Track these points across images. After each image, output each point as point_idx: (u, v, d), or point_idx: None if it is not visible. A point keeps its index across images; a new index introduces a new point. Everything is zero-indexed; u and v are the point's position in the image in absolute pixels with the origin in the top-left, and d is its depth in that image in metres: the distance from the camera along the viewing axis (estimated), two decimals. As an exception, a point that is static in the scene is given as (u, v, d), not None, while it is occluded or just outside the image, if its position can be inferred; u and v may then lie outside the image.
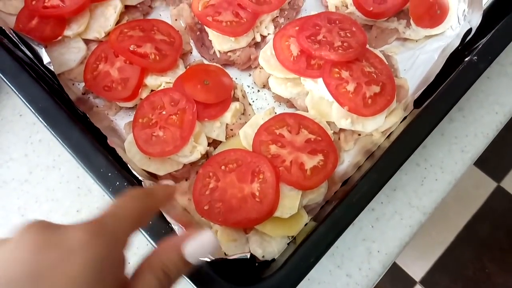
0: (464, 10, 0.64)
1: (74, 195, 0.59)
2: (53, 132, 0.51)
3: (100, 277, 0.27)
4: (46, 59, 0.57)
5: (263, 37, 0.65)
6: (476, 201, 1.68)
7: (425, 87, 0.57)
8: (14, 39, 0.58)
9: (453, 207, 1.63)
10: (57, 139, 0.51)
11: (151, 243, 0.46)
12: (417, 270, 1.58)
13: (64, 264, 0.26)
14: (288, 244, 0.52)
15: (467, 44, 0.60)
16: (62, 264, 0.26)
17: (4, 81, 0.55)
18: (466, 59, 0.55)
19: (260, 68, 0.62)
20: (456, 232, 1.63)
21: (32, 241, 0.27)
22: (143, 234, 0.47)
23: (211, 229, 0.53)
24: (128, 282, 0.30)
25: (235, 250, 0.51)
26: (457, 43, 0.60)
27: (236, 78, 0.64)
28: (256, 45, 0.65)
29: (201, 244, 0.33)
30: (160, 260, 0.32)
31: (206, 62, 0.66)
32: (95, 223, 0.29)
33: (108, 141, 0.53)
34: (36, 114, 0.52)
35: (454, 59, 0.58)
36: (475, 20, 0.60)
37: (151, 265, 0.31)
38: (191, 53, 0.67)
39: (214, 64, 0.63)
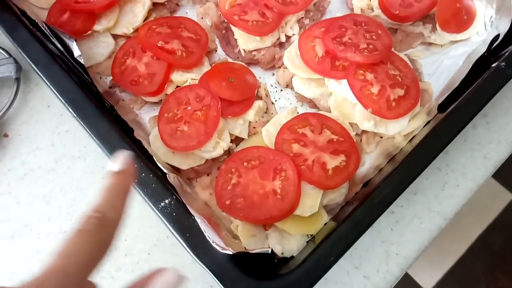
0: (491, 16, 0.64)
1: (98, 185, 0.60)
2: (81, 123, 0.53)
3: None
4: (76, 52, 0.58)
5: (288, 38, 0.65)
6: (491, 213, 1.65)
7: (449, 92, 0.57)
8: (46, 32, 0.60)
9: (467, 218, 1.61)
10: (85, 129, 0.53)
11: (174, 235, 0.47)
12: (427, 279, 1.57)
13: None
14: (307, 242, 0.53)
15: (493, 50, 0.60)
16: None
17: (37, 72, 0.56)
18: (493, 65, 0.55)
19: (284, 68, 0.63)
20: (469, 243, 1.61)
21: None
22: (166, 225, 0.48)
23: (231, 224, 0.54)
24: None
25: (254, 245, 0.51)
26: (483, 49, 0.60)
27: (259, 77, 0.65)
28: (281, 45, 0.66)
29: (166, 285, 0.30)
30: None
31: (230, 60, 0.67)
32: None
33: (134, 133, 0.54)
34: (66, 105, 0.54)
35: (480, 65, 0.58)
36: (503, 27, 0.60)
37: None
38: (216, 51, 0.68)
39: (239, 62, 0.64)
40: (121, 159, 0.34)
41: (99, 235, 0.29)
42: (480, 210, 1.64)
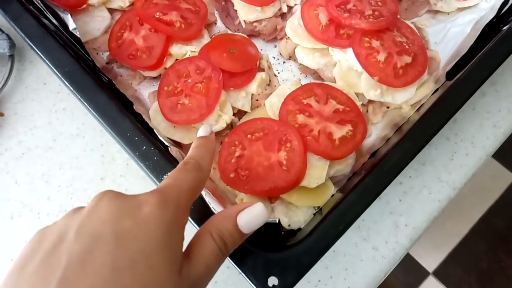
0: (500, -19, 0.62)
1: (98, 163, 0.59)
2: (79, 96, 0.51)
3: (170, 236, 0.30)
4: (72, 25, 0.56)
5: (290, 8, 0.63)
6: (492, 194, 1.65)
7: (457, 59, 0.55)
8: (40, 7, 0.58)
9: (469, 199, 1.61)
10: (83, 103, 0.51)
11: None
12: (430, 261, 1.57)
13: (141, 227, 0.29)
14: (314, 214, 0.51)
15: (503, 16, 0.58)
16: (138, 227, 0.29)
17: (31, 46, 0.54)
18: (504, 28, 0.53)
19: (286, 39, 0.61)
20: (471, 224, 1.61)
21: (108, 208, 0.30)
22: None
23: (236, 197, 0.52)
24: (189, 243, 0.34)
25: (260, 218, 0.50)
26: (492, 15, 0.58)
27: (261, 49, 0.63)
28: (282, 16, 0.64)
29: (252, 215, 0.35)
30: (217, 227, 0.34)
31: (230, 33, 0.65)
32: (162, 194, 0.32)
33: (134, 107, 0.52)
34: (62, 78, 0.52)
35: (489, 31, 0.56)
36: (512, -8, 0.58)
37: (210, 231, 0.34)
38: (216, 24, 0.66)
39: (240, 34, 0.62)
40: (205, 129, 0.43)
41: (196, 174, 0.36)
42: (482, 191, 1.64)
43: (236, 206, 0.36)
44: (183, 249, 0.32)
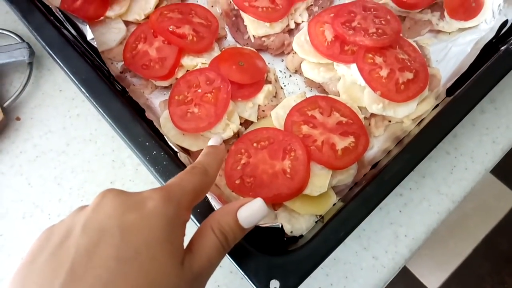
0: (499, 5, 0.64)
1: (108, 167, 0.61)
2: (94, 102, 0.54)
3: (172, 231, 0.31)
4: (90, 35, 0.59)
5: (297, 24, 0.66)
6: (496, 214, 1.64)
7: (458, 76, 0.57)
8: (60, 17, 0.61)
9: (472, 219, 1.61)
10: (98, 109, 0.53)
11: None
12: (433, 280, 1.56)
13: (144, 221, 0.30)
14: (315, 222, 0.53)
15: (501, 37, 0.60)
16: (142, 221, 0.30)
17: (50, 54, 0.57)
18: (502, 48, 0.55)
19: (293, 53, 0.64)
20: (474, 244, 1.60)
21: (113, 203, 0.31)
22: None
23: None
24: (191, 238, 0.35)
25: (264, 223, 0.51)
26: (491, 36, 0.60)
27: (269, 63, 0.66)
28: (290, 32, 0.66)
29: (253, 211, 0.36)
30: (218, 222, 0.35)
31: (240, 46, 0.67)
32: (165, 191, 0.33)
33: (145, 114, 0.55)
34: (79, 85, 0.55)
35: (488, 51, 0.58)
36: (511, 14, 0.60)
37: (211, 226, 0.35)
38: (226, 38, 0.69)
39: (249, 48, 0.65)
40: (216, 139, 0.44)
41: (202, 178, 0.37)
42: (485, 211, 1.63)
43: (237, 202, 0.37)
44: (186, 245, 0.34)
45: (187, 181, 0.36)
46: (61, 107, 0.66)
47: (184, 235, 0.34)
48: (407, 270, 1.56)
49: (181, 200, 0.33)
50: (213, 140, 0.44)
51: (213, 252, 0.34)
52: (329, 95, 0.61)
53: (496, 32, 0.60)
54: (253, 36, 0.65)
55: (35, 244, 0.31)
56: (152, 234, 0.30)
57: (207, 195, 0.47)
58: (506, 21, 0.60)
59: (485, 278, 1.56)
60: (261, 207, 0.36)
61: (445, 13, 0.65)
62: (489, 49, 0.58)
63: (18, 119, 0.65)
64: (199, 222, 0.46)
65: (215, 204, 0.47)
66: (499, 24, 0.60)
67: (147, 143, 0.51)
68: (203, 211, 0.47)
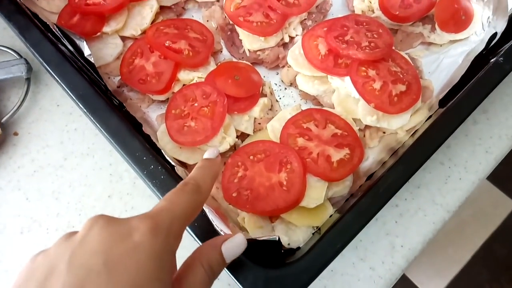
0: (488, 17, 0.66)
1: (106, 181, 0.61)
2: (91, 118, 0.54)
3: (161, 266, 0.31)
4: (87, 51, 0.60)
5: (291, 38, 0.67)
6: (494, 221, 1.65)
7: (450, 88, 0.58)
8: (57, 34, 0.62)
9: (470, 226, 1.61)
10: (95, 124, 0.54)
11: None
12: None
13: (131, 257, 0.29)
14: (312, 234, 0.53)
15: (491, 48, 0.62)
16: (129, 257, 0.29)
17: (48, 70, 0.58)
18: (492, 60, 0.56)
19: (288, 67, 0.65)
20: (473, 251, 1.60)
21: (99, 236, 0.30)
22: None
23: (238, 216, 0.55)
24: (178, 271, 0.35)
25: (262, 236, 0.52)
26: (481, 47, 0.61)
27: (264, 76, 0.67)
28: (284, 46, 0.68)
29: (235, 245, 0.38)
30: (205, 256, 0.36)
31: (235, 60, 0.68)
32: (153, 220, 0.32)
33: (143, 128, 0.55)
34: (76, 101, 0.55)
35: (479, 63, 0.59)
36: (500, 26, 0.62)
37: (200, 261, 0.35)
38: (221, 52, 0.70)
39: (244, 62, 0.66)
40: (212, 151, 0.44)
41: (194, 196, 0.37)
42: (483, 218, 1.64)
43: (220, 237, 0.38)
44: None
45: (177, 204, 0.35)
46: (59, 121, 0.66)
47: (174, 266, 0.33)
48: (406, 278, 1.56)
49: (170, 229, 0.32)
50: (209, 153, 0.44)
51: (202, 287, 0.34)
52: (324, 108, 0.62)
53: (486, 44, 0.61)
54: (248, 50, 0.66)
55: (20, 276, 0.31)
56: (140, 273, 0.29)
57: (204, 208, 0.48)
58: (495, 34, 0.61)
59: (484, 286, 1.56)
60: (243, 241, 0.38)
61: (436, 26, 0.66)
62: (479, 61, 0.60)
63: (16, 134, 0.65)
64: (197, 237, 0.47)
65: (212, 217, 0.47)
66: (488, 36, 0.62)
67: (144, 158, 0.51)
68: (201, 224, 0.47)
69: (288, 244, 0.52)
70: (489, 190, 1.67)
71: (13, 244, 0.58)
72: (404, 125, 0.58)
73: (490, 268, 1.57)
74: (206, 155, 0.44)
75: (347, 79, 0.59)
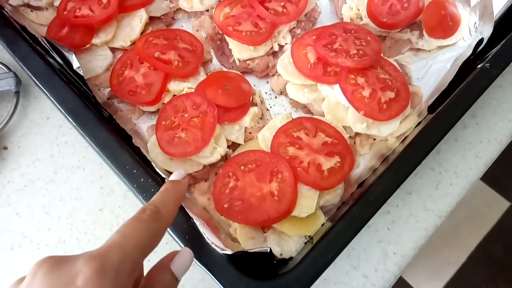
0: (475, 22, 0.67)
1: (97, 194, 0.61)
2: (81, 131, 0.54)
3: None
4: (76, 64, 0.60)
5: (281, 47, 0.68)
6: (488, 221, 1.66)
7: (439, 93, 0.59)
8: (46, 46, 0.62)
9: (465, 227, 1.62)
10: (85, 137, 0.54)
11: (173, 238, 0.48)
12: (429, 290, 1.56)
13: None
14: (305, 243, 0.53)
15: (479, 53, 0.62)
16: None
17: (37, 84, 0.58)
18: (479, 66, 0.57)
19: (277, 75, 0.65)
20: (468, 252, 1.61)
21: (43, 284, 0.28)
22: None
23: (230, 227, 0.54)
24: None
25: (253, 247, 0.52)
26: (469, 53, 0.62)
27: (254, 85, 0.67)
28: (274, 54, 0.68)
29: (183, 260, 0.37)
30: (156, 280, 0.35)
31: (225, 70, 0.68)
32: (100, 260, 0.29)
33: (133, 141, 0.55)
34: (66, 114, 0.55)
35: (467, 68, 0.60)
36: (487, 31, 0.62)
37: (151, 286, 0.34)
38: (211, 61, 0.70)
39: (234, 71, 0.66)
40: (178, 173, 0.42)
41: (152, 225, 0.35)
42: (478, 218, 1.65)
43: (166, 257, 0.37)
44: None
45: (130, 236, 0.32)
46: (49, 135, 0.66)
47: None
48: (403, 280, 1.56)
49: (120, 268, 0.30)
50: (175, 175, 0.42)
51: None
52: (314, 116, 0.62)
53: (473, 50, 0.62)
54: (238, 59, 0.66)
55: None
56: None
57: (195, 220, 0.48)
58: (482, 40, 0.62)
59: (481, 286, 1.56)
60: (189, 255, 0.37)
61: (424, 32, 0.67)
62: (467, 66, 0.60)
63: (5, 148, 0.65)
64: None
65: (203, 230, 0.47)
66: (475, 42, 0.62)
67: (134, 171, 0.51)
68: (193, 236, 0.47)
69: (281, 254, 0.52)
70: (483, 190, 1.68)
71: (3, 260, 0.57)
72: (394, 131, 0.59)
73: (486, 268, 1.58)
74: (172, 177, 0.42)
75: (337, 87, 0.59)
